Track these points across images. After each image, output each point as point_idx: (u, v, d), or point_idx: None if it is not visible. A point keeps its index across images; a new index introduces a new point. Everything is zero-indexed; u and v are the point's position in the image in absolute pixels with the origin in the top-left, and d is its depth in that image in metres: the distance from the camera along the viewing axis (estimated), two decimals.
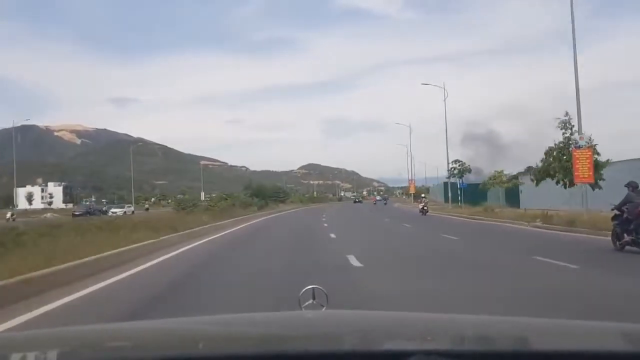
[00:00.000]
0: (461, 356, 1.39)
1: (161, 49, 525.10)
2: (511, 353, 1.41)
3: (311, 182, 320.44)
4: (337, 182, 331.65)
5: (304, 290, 2.19)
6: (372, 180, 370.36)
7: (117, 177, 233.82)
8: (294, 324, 1.90)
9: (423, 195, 48.76)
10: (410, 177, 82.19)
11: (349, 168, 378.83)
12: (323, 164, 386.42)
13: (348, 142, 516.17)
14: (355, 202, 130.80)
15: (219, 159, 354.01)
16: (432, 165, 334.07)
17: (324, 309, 2.09)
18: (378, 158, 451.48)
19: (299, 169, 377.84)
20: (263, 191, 65.50)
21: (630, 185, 12.62)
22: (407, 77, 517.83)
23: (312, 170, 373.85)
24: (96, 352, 1.55)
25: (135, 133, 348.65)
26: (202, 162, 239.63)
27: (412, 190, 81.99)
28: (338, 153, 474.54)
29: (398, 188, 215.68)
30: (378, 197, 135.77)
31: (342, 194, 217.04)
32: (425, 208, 40.16)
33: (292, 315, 2.16)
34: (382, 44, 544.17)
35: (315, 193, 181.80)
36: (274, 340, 1.67)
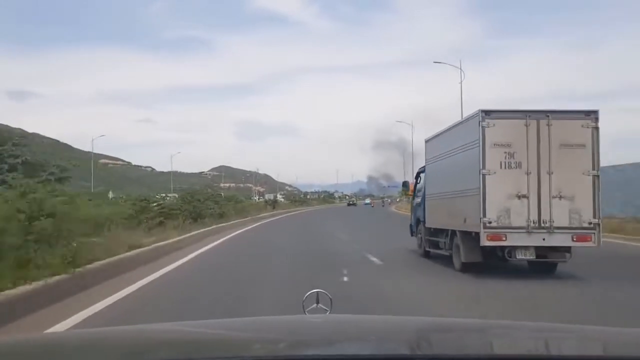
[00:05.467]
0: None
1: (68, 43, 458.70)
2: (512, 358, 1.44)
3: (222, 184, 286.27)
4: (250, 185, 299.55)
5: (307, 294, 2.11)
6: (285, 184, 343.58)
7: None
8: (297, 329, 1.87)
9: None
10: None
11: (261, 171, 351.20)
12: (235, 166, 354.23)
13: (261, 145, 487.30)
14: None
15: (123, 158, 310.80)
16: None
17: (327, 313, 2.06)
18: (291, 162, 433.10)
19: (209, 170, 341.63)
20: None
21: None
22: (321, 84, 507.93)
23: (224, 172, 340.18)
24: (100, 357, 1.52)
25: (32, 128, 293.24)
26: (102, 161, 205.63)
27: None
28: (251, 156, 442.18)
29: (312, 192, 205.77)
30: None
31: (274, 197, 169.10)
32: None
33: (295, 320, 2.10)
34: (297, 50, 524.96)
35: (223, 193, 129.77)
36: (277, 345, 1.64)
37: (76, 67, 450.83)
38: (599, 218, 9.29)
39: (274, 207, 59.36)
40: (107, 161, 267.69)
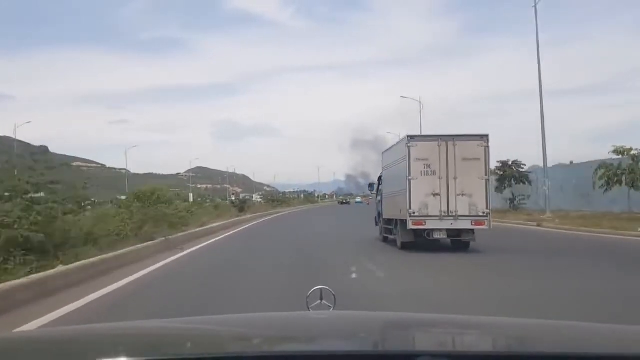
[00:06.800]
0: (467, 358, 1.42)
1: (39, 43, 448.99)
2: (517, 355, 1.43)
3: (198, 185, 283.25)
4: (227, 186, 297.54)
5: (311, 291, 2.15)
6: (263, 184, 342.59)
7: None
8: (301, 325, 1.88)
9: None
10: None
11: (239, 172, 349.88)
12: (212, 167, 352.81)
13: (239, 146, 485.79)
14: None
15: (97, 160, 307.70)
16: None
17: (331, 310, 2.07)
18: (269, 163, 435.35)
19: (186, 172, 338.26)
20: None
21: None
22: (299, 84, 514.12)
23: (200, 173, 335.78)
24: (106, 352, 1.47)
25: (2, 132, 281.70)
26: (75, 163, 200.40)
27: None
28: (228, 157, 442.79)
29: (291, 192, 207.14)
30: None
31: (243, 197, 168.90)
32: None
33: (299, 316, 2.11)
34: (274, 50, 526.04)
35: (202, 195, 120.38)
36: (281, 340, 1.66)
37: (51, 70, 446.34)
38: (489, 209, 13.55)
39: (241, 210, 41.19)
40: (80, 164, 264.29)
